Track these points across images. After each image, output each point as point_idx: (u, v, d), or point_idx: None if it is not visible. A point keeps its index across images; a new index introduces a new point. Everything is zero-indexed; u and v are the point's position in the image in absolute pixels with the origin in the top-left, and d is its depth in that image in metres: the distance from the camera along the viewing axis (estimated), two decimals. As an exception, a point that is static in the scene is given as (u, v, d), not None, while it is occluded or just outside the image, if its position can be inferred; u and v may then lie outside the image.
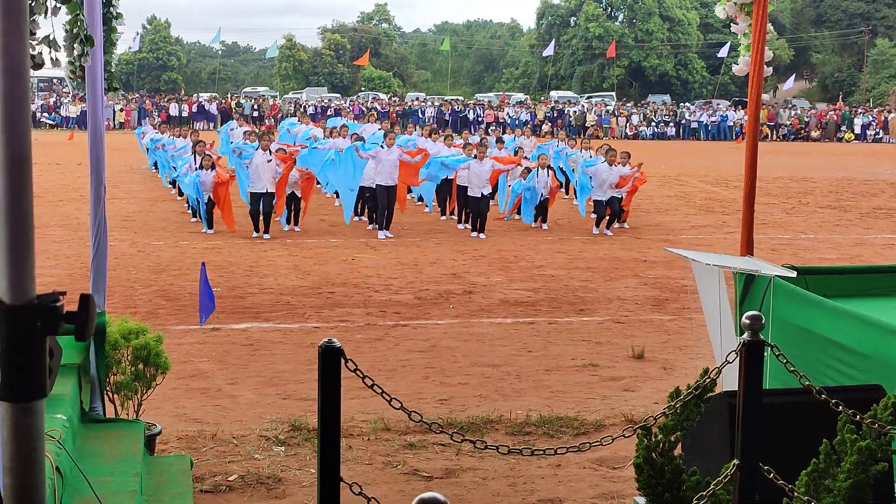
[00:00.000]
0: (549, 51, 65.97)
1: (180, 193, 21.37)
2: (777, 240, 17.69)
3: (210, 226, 17.71)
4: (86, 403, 5.94)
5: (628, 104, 61.83)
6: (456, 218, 19.39)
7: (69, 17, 5.33)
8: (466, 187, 18.23)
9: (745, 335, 4.09)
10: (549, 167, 19.60)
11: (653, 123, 56.96)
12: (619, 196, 18.73)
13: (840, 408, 4.22)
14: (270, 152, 17.49)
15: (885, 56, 70.59)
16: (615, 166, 18.57)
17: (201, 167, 18.00)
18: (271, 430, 7.26)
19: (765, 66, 7.10)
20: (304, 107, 57.70)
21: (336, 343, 3.64)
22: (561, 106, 58.89)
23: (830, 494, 4.14)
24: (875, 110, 60.21)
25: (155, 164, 26.92)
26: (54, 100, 54.97)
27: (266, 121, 51.50)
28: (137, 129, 36.91)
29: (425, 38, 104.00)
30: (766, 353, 4.18)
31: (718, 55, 56.98)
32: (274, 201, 17.42)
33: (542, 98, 66.30)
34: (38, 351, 1.81)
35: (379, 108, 58.04)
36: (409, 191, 20.24)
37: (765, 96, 7.31)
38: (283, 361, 9.32)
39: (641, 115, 57.93)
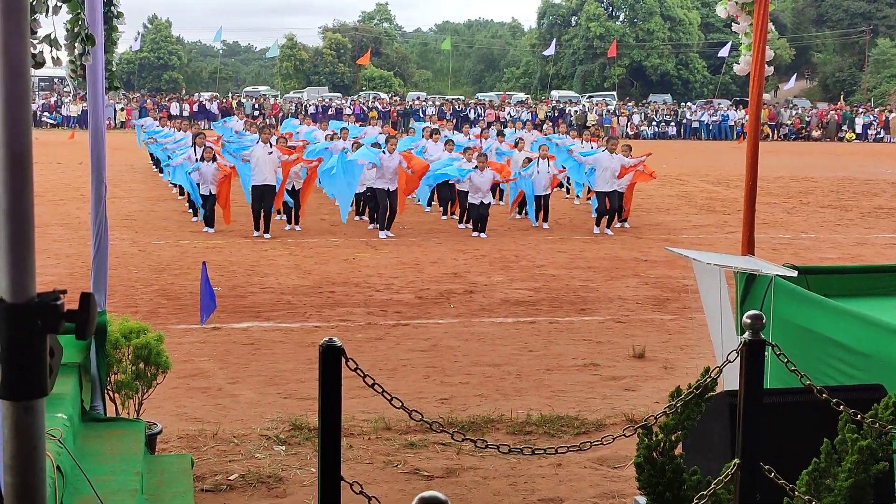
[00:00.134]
0: (550, 50, 65.95)
1: (181, 192, 21.36)
2: (778, 239, 17.69)
3: (211, 224, 17.71)
4: (86, 402, 5.94)
5: (629, 104, 61.80)
6: (457, 217, 19.39)
7: (70, 15, 5.33)
8: (467, 192, 18.29)
9: (746, 334, 4.09)
10: (548, 157, 19.59)
11: (654, 123, 56.97)
12: (621, 190, 18.75)
13: (841, 407, 4.22)
14: (271, 145, 17.49)
15: (887, 56, 70.56)
16: (616, 154, 18.62)
17: (202, 159, 18.02)
18: (272, 430, 7.26)
19: (766, 66, 7.10)
20: (306, 106, 57.73)
21: (337, 342, 3.64)
22: (562, 105, 58.90)
23: (831, 494, 4.14)
24: (876, 110, 60.20)
25: (157, 166, 26.87)
26: (55, 99, 54.99)
27: (267, 120, 51.49)
28: (136, 121, 36.89)
29: (426, 37, 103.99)
30: (766, 353, 4.18)
31: (719, 55, 56.93)
32: (275, 194, 17.44)
33: (544, 98, 66.30)
34: (39, 349, 1.81)
35: (380, 107, 58.07)
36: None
37: (766, 96, 7.30)
38: (284, 361, 9.32)
39: (642, 114, 57.93)
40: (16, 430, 1.83)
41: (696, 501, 4.09)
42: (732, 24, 7.46)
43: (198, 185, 18.28)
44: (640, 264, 15.05)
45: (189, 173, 18.59)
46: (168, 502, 5.18)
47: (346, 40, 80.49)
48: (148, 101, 55.18)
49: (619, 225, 19.05)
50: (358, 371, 3.76)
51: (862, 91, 71.57)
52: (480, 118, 53.21)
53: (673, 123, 57.21)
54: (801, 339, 6.03)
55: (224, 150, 18.09)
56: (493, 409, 7.78)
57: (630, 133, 53.83)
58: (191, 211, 19.41)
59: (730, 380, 5.08)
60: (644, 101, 65.35)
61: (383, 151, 17.84)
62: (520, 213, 20.43)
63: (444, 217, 20.08)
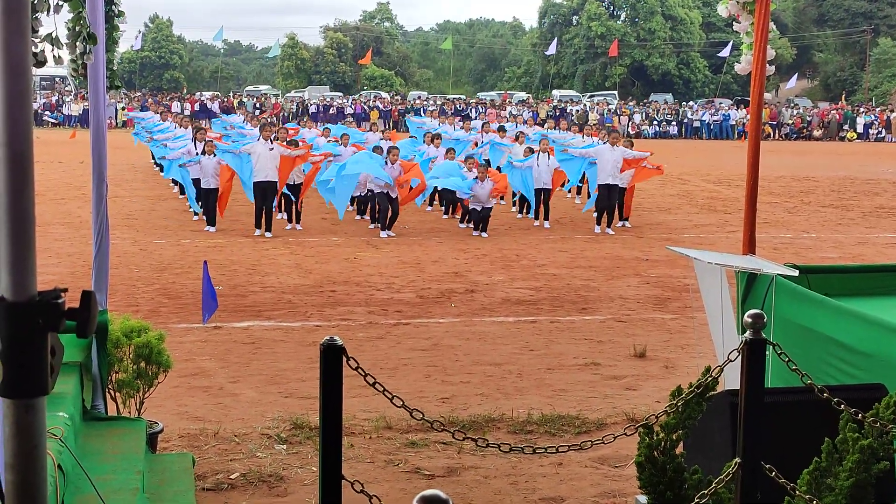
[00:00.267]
0: (551, 50, 65.96)
1: (182, 191, 21.36)
2: (779, 239, 17.69)
3: (213, 222, 17.72)
4: (87, 401, 5.95)
5: (630, 103, 61.81)
6: (458, 217, 19.39)
7: (72, 14, 5.32)
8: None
9: (747, 334, 4.09)
10: (549, 150, 19.59)
11: (655, 122, 56.97)
12: (623, 186, 18.76)
13: (842, 406, 4.22)
14: (272, 141, 17.49)
15: (888, 55, 70.53)
16: (617, 147, 18.64)
17: (203, 153, 18.05)
18: (273, 429, 7.26)
19: (767, 65, 7.09)
20: (307, 105, 57.70)
21: (338, 341, 3.64)
22: (563, 105, 58.88)
23: (832, 493, 4.14)
24: (877, 109, 60.19)
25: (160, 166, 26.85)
26: (57, 98, 55.02)
27: (268, 119, 51.45)
28: (135, 115, 36.87)
29: (427, 36, 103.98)
30: (767, 352, 4.18)
31: (721, 54, 56.94)
32: (277, 191, 17.46)
33: (545, 97, 66.30)
34: (40, 348, 1.81)
35: (381, 106, 58.06)
36: None
37: (767, 95, 7.30)
38: (285, 360, 9.32)
39: (644, 113, 57.93)
40: (17, 429, 1.83)
41: (697, 500, 4.09)
42: (734, 23, 7.46)
43: (196, 180, 18.32)
44: (641, 263, 15.05)
45: (182, 165, 18.65)
46: (169, 501, 5.18)
47: (347, 39, 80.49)
48: (149, 100, 55.20)
49: (620, 224, 19.06)
50: (359, 370, 3.76)
51: (863, 90, 71.56)
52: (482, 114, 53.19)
53: (674, 123, 57.21)
54: (802, 339, 6.03)
55: (219, 151, 18.01)
56: (494, 409, 7.78)
57: (631, 132, 53.80)
58: (192, 210, 19.40)
59: (731, 379, 5.08)
60: (645, 101, 65.36)
61: (386, 162, 17.83)
62: (520, 212, 20.43)
63: (446, 216, 20.08)
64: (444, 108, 50.77)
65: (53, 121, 52.37)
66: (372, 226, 18.31)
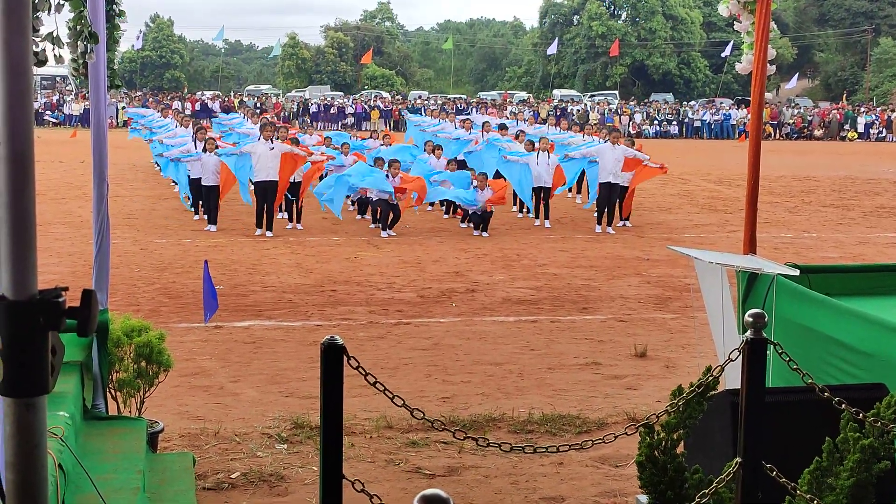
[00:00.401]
0: (552, 49, 65.96)
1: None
2: (780, 238, 17.68)
3: (214, 221, 17.73)
4: (88, 401, 5.95)
5: (631, 103, 61.81)
6: (459, 216, 19.39)
7: (73, 14, 5.32)
8: None
9: (748, 333, 4.09)
10: (548, 149, 19.60)
11: (656, 122, 56.96)
12: (625, 185, 18.76)
13: (843, 406, 4.22)
14: (272, 141, 17.49)
15: (889, 55, 70.53)
16: (618, 145, 18.64)
17: (205, 150, 18.06)
18: (274, 428, 7.26)
19: (768, 65, 7.09)
20: (308, 104, 57.69)
21: (338, 341, 3.64)
22: (564, 104, 58.87)
23: (833, 493, 4.14)
24: (878, 109, 60.17)
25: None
26: (57, 97, 55.02)
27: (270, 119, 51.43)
28: (134, 112, 36.86)
29: (428, 36, 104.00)
30: (768, 352, 4.18)
31: (721, 54, 57.04)
32: (277, 190, 17.48)
33: (545, 97, 66.30)
34: (41, 347, 1.81)
35: (382, 106, 58.06)
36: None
37: (768, 95, 7.29)
38: (286, 359, 9.32)
39: (644, 113, 57.93)
40: (17, 428, 1.83)
41: (697, 500, 4.09)
42: (734, 23, 7.45)
43: (196, 179, 18.34)
44: (641, 263, 15.05)
45: (180, 160, 18.68)
46: (170, 501, 5.18)
47: (348, 39, 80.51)
48: (150, 99, 55.19)
49: (621, 224, 19.05)
50: (359, 370, 3.76)
51: (864, 90, 71.56)
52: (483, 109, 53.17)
53: (675, 122, 57.18)
54: (803, 338, 6.03)
55: (221, 154, 18.01)
56: (495, 408, 7.78)
57: (632, 132, 53.79)
58: (192, 210, 19.41)
59: (731, 378, 5.08)
60: (646, 101, 65.36)
61: (387, 175, 17.82)
62: (521, 211, 20.43)
63: (446, 216, 20.08)
64: (444, 108, 50.72)
65: (54, 120, 52.36)
66: (373, 225, 18.31)
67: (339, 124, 53.55)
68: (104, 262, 6.34)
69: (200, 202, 18.85)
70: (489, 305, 11.98)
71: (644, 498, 4.59)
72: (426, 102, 58.49)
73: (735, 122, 55.47)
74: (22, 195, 1.81)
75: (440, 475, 6.45)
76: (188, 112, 47.55)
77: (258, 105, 55.31)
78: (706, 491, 4.13)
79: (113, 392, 6.34)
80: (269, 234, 17.15)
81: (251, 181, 17.67)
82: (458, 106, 56.57)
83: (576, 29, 76.39)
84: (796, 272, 6.38)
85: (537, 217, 19.44)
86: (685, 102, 63.74)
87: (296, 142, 18.98)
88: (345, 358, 3.65)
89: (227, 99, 58.87)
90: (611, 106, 58.40)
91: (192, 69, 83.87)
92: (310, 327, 10.69)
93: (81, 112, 50.31)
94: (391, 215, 17.53)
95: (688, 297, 11.71)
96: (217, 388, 8.40)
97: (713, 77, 73.83)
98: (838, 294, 6.41)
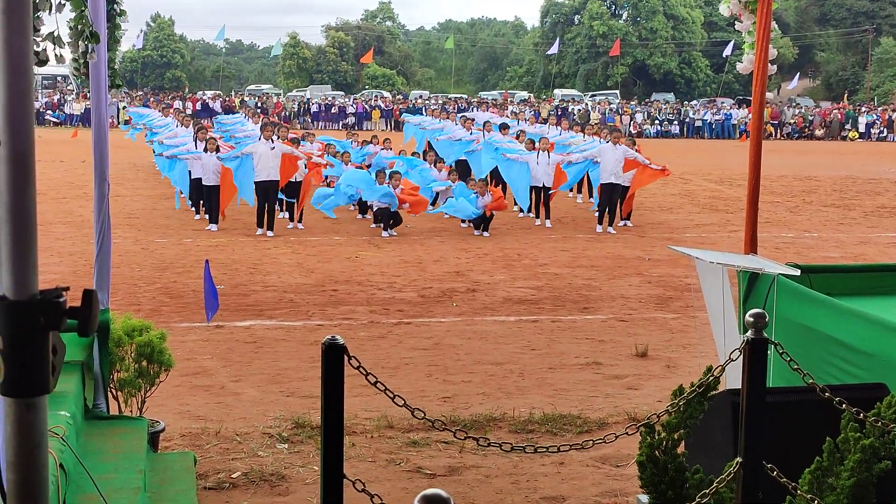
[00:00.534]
0: (553, 49, 65.95)
1: (189, 196, 21.29)
2: (781, 238, 17.68)
3: (215, 221, 17.74)
4: (89, 400, 5.95)
5: (632, 102, 61.79)
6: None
7: (74, 13, 5.33)
8: None
9: (749, 333, 4.09)
10: (548, 149, 19.61)
11: (657, 122, 56.94)
12: (626, 185, 18.76)
13: (843, 406, 4.22)
14: (272, 141, 17.50)
15: (890, 54, 70.51)
16: (619, 146, 18.64)
17: (205, 150, 18.07)
18: (275, 428, 7.26)
19: (769, 65, 7.09)
20: (309, 104, 57.68)
21: (339, 340, 3.64)
22: (565, 104, 58.87)
23: (834, 493, 4.14)
24: (879, 109, 60.14)
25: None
26: (58, 97, 55.03)
27: (270, 118, 51.41)
28: (133, 111, 36.86)
29: (429, 35, 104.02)
30: (769, 352, 4.18)
31: (722, 53, 57.03)
32: (278, 189, 17.51)
33: (546, 96, 66.28)
34: (41, 347, 1.81)
35: (383, 105, 58.05)
36: None
37: (769, 95, 7.28)
38: (287, 359, 9.32)
39: (645, 113, 57.91)
40: (18, 428, 1.83)
41: (698, 500, 4.09)
42: (735, 22, 7.46)
43: (197, 179, 18.36)
44: (642, 263, 15.05)
45: (178, 157, 18.70)
46: (171, 500, 5.18)
47: (348, 39, 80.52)
48: (151, 99, 55.21)
49: (621, 223, 19.05)
50: (360, 369, 3.76)
51: (865, 90, 71.53)
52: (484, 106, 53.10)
53: (676, 122, 57.17)
54: (804, 338, 6.02)
55: (223, 159, 18.00)
56: (496, 408, 7.78)
57: (633, 132, 53.82)
58: (193, 209, 19.42)
59: (732, 378, 5.08)
60: (647, 100, 65.34)
61: (389, 185, 17.83)
62: (522, 211, 20.42)
63: (447, 216, 20.06)
64: (445, 107, 50.72)
65: (55, 120, 52.37)
66: (373, 225, 18.31)
67: (341, 124, 53.58)
68: (105, 262, 6.34)
69: (201, 202, 18.87)
70: (490, 305, 11.98)
71: (645, 498, 4.59)
72: (427, 102, 58.48)
73: (736, 122, 55.45)
74: (23, 195, 1.81)
75: (441, 475, 6.45)
76: (189, 112, 47.59)
77: (259, 105, 55.33)
78: (707, 491, 4.13)
79: (114, 392, 6.35)
80: (269, 233, 17.15)
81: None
82: (460, 106, 56.56)
83: (577, 28, 76.39)
84: (797, 272, 6.38)
85: (537, 216, 19.44)
86: (686, 102, 63.73)
87: (296, 142, 19.01)
88: (346, 357, 3.65)
89: (228, 99, 58.87)
90: (612, 106, 58.40)
91: (193, 69, 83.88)
92: (311, 327, 10.69)
93: (82, 112, 50.31)
94: (392, 220, 17.55)
95: (689, 297, 11.71)
96: (218, 387, 8.40)
97: (714, 77, 73.83)
98: (839, 294, 6.40)
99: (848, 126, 56.77)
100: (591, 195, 21.93)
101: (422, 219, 19.31)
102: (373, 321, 11.05)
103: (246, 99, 57.76)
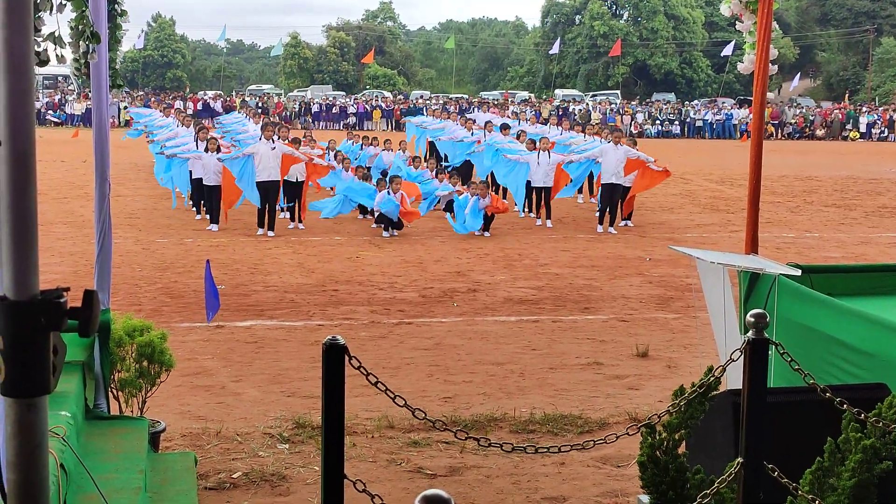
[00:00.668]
0: (554, 49, 65.93)
1: (190, 198, 21.29)
2: (782, 238, 17.68)
3: (216, 220, 17.75)
4: (90, 400, 5.95)
5: (633, 102, 61.78)
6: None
7: (75, 13, 5.33)
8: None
9: (750, 333, 4.09)
10: (548, 149, 19.61)
11: (657, 122, 56.92)
12: (627, 185, 18.76)
13: (844, 406, 4.22)
14: (273, 141, 17.51)
15: (891, 54, 70.47)
16: (621, 146, 18.64)
17: (206, 150, 18.09)
18: (275, 428, 7.26)
19: (770, 65, 7.08)
20: (310, 104, 57.67)
21: (340, 340, 3.64)
22: (566, 104, 58.86)
23: (835, 493, 4.13)
24: (880, 109, 60.11)
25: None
26: (59, 97, 55.04)
27: (271, 118, 51.39)
28: (134, 111, 36.87)
29: (430, 36, 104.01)
30: (770, 352, 4.18)
31: (723, 53, 56.95)
32: (279, 188, 17.53)
33: (547, 96, 66.27)
34: (42, 347, 1.81)
35: (384, 105, 58.05)
36: None
37: (770, 95, 7.28)
38: (288, 359, 9.32)
39: (646, 113, 57.90)
40: (19, 428, 1.83)
41: (699, 500, 4.09)
42: (736, 22, 7.45)
43: (198, 179, 18.37)
44: (643, 263, 15.04)
45: (177, 155, 18.72)
46: (171, 500, 5.18)
47: (349, 39, 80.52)
48: (152, 99, 55.22)
49: (622, 223, 19.05)
50: (361, 369, 3.76)
51: (866, 90, 71.51)
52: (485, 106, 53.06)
53: (676, 122, 57.15)
54: (805, 338, 6.02)
55: (224, 160, 18.00)
56: (497, 408, 7.78)
57: (634, 132, 53.81)
58: (194, 209, 19.43)
59: (733, 379, 5.08)
60: (648, 100, 65.33)
61: (388, 192, 17.83)
62: (522, 211, 20.42)
63: (448, 216, 20.06)
64: (446, 107, 50.72)
65: (56, 120, 52.37)
66: (374, 226, 18.31)
67: (341, 124, 53.57)
68: (106, 262, 6.34)
69: (202, 202, 18.87)
70: (491, 305, 11.98)
71: (646, 498, 4.59)
72: (428, 102, 58.48)
73: (737, 122, 55.44)
74: (24, 195, 1.81)
75: (442, 475, 6.45)
76: (190, 112, 47.60)
77: (260, 105, 55.34)
78: (708, 491, 4.13)
79: (115, 392, 6.35)
80: (270, 233, 17.16)
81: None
82: (461, 106, 56.55)
83: (578, 28, 76.37)
84: (798, 272, 6.38)
85: (536, 213, 19.42)
86: (687, 102, 63.72)
87: (297, 141, 19.03)
88: (346, 358, 3.65)
89: (228, 99, 58.86)
90: (612, 106, 58.38)
91: (194, 69, 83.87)
92: (311, 327, 10.69)
93: (83, 112, 50.31)
94: (392, 223, 17.58)
95: (689, 297, 11.71)
96: (219, 387, 8.40)
97: (715, 77, 73.79)
98: (840, 294, 6.40)
99: (849, 126, 56.75)
100: (591, 194, 21.92)
101: (423, 219, 19.30)
102: (374, 321, 11.05)
103: (247, 99, 57.76)
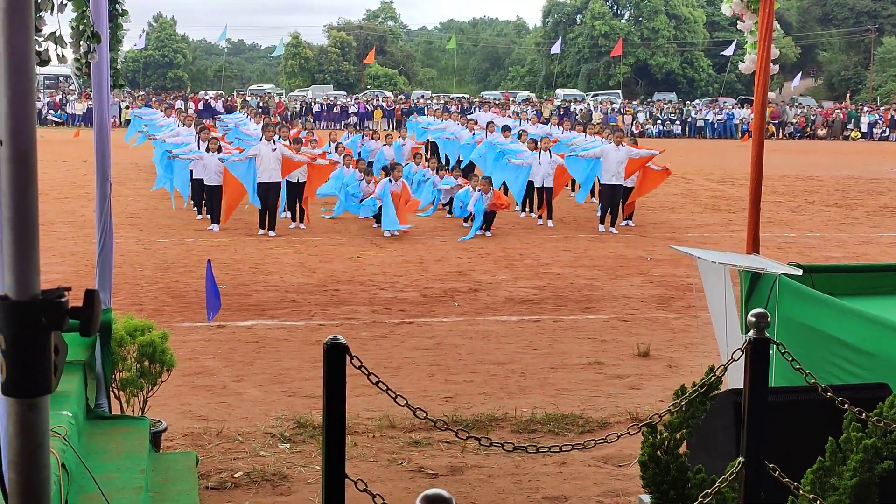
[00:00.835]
0: (555, 49, 65.92)
1: (192, 199, 21.27)
2: (783, 238, 17.67)
3: (217, 221, 17.76)
4: (91, 400, 5.95)
5: (634, 102, 61.75)
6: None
7: (76, 13, 5.33)
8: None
9: (751, 333, 4.09)
10: (550, 151, 19.62)
11: (659, 121, 56.89)
12: (629, 187, 18.76)
13: (846, 406, 4.22)
14: (274, 142, 17.53)
15: (892, 54, 70.43)
16: (622, 146, 18.64)
17: (207, 150, 18.10)
18: (277, 427, 7.26)
19: (771, 65, 7.08)
20: (311, 104, 57.68)
21: (341, 340, 3.64)
22: (567, 104, 58.85)
23: (836, 493, 4.13)
24: (882, 108, 60.07)
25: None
26: (60, 97, 55.05)
27: (272, 118, 51.39)
28: (136, 112, 36.85)
29: (431, 35, 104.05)
30: (771, 351, 4.18)
31: (724, 53, 56.91)
32: (280, 190, 17.56)
33: (548, 96, 66.26)
34: (44, 347, 1.81)
35: (385, 105, 58.04)
36: None
37: (771, 94, 7.27)
38: (289, 359, 9.33)
39: (647, 113, 57.87)
40: (20, 428, 1.83)
41: (700, 500, 4.09)
42: (738, 22, 7.45)
43: (197, 180, 18.40)
44: (644, 263, 15.04)
45: (178, 156, 18.76)
46: (173, 500, 5.19)
47: (350, 39, 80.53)
48: (153, 99, 55.23)
49: (623, 223, 19.04)
50: (362, 369, 3.76)
51: (867, 90, 71.48)
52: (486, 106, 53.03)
53: (678, 122, 57.11)
54: (806, 338, 6.02)
55: (226, 162, 18.00)
56: (498, 408, 7.78)
57: (635, 131, 53.79)
58: (195, 209, 19.43)
59: (734, 378, 5.08)
60: (649, 100, 65.30)
61: (389, 180, 17.86)
62: (523, 211, 20.42)
63: (450, 216, 20.06)
64: (447, 108, 50.73)
65: (57, 120, 52.37)
66: (375, 225, 18.31)
67: (342, 124, 53.57)
68: (107, 262, 6.35)
69: (203, 202, 18.88)
70: (492, 305, 11.98)
71: (647, 497, 4.59)
72: (429, 102, 58.47)
73: (738, 122, 55.41)
74: (25, 194, 1.81)
75: (443, 475, 6.45)
76: (191, 111, 47.61)
77: (261, 105, 55.33)
78: (709, 491, 4.13)
79: (116, 391, 6.35)
80: (271, 233, 17.16)
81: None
82: (463, 105, 56.55)
83: (579, 28, 76.36)
84: (799, 272, 6.38)
85: (539, 217, 19.42)
86: (688, 102, 63.65)
87: (298, 142, 19.06)
88: (347, 357, 3.65)
89: (229, 98, 58.86)
90: (614, 105, 58.36)
91: (195, 69, 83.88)
92: (313, 327, 10.69)
93: (84, 112, 50.31)
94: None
95: (691, 297, 11.70)
96: (220, 387, 8.40)
97: (716, 76, 73.76)
98: (841, 294, 6.40)
99: (850, 126, 56.70)
100: (591, 194, 21.91)
101: (424, 219, 19.31)
102: (375, 321, 11.05)
103: (248, 99, 57.76)
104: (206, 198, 18.46)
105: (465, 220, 18.84)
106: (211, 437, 7.05)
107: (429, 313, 11.49)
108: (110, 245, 6.36)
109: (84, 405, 5.67)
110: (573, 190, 23.08)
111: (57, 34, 4.79)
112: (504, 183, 20.40)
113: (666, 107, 59.51)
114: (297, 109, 56.45)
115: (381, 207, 17.61)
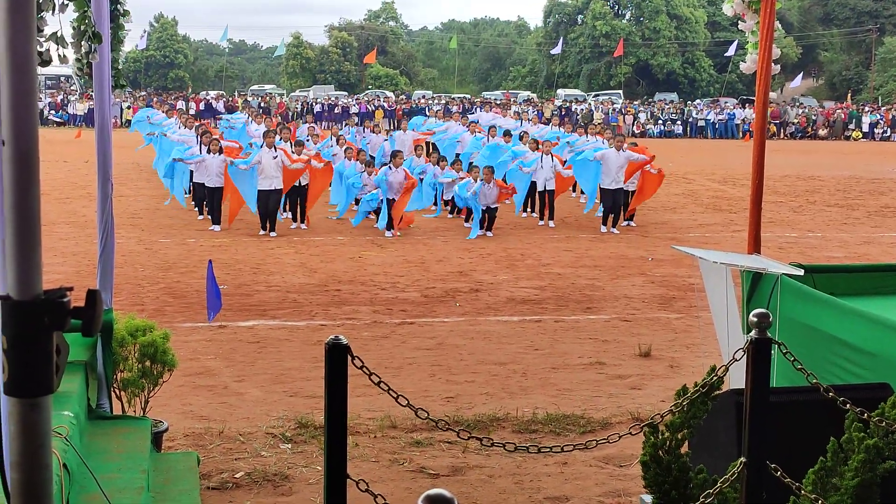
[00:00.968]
0: (556, 49, 65.89)
1: (187, 190, 21.32)
2: (784, 238, 17.66)
3: (217, 221, 17.76)
4: (93, 400, 5.95)
5: (635, 102, 61.71)
6: (463, 216, 19.37)
7: (77, 14, 5.33)
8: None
9: (753, 333, 4.09)
10: (552, 154, 19.63)
11: (660, 121, 56.85)
12: (630, 190, 18.75)
13: (847, 406, 4.22)
14: (275, 149, 17.55)
15: (894, 54, 70.35)
16: (623, 151, 18.64)
17: (209, 151, 18.11)
18: (278, 428, 7.26)
19: (772, 65, 7.08)
20: (311, 104, 57.69)
21: (343, 340, 3.64)
22: (568, 104, 58.83)
23: (838, 493, 4.13)
24: (883, 108, 60.02)
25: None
26: (62, 97, 55.06)
27: (273, 118, 51.41)
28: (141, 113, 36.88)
29: (432, 35, 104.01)
30: (773, 351, 4.18)
31: (726, 53, 56.93)
32: (281, 197, 17.59)
33: (549, 96, 66.24)
34: (45, 346, 1.81)
35: (386, 105, 58.05)
36: None
37: (772, 94, 7.27)
38: (290, 359, 9.33)
39: (649, 113, 57.83)
40: (22, 428, 1.83)
41: (702, 500, 4.09)
42: (739, 22, 7.45)
43: (198, 183, 18.42)
44: (646, 263, 15.04)
45: (181, 160, 18.80)
46: (174, 500, 5.19)
47: (352, 39, 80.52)
48: (154, 99, 55.24)
49: (625, 223, 19.04)
50: (364, 369, 3.76)
51: (869, 89, 71.42)
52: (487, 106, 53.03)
53: (679, 122, 57.06)
54: (808, 338, 6.02)
55: (231, 169, 18.00)
56: (499, 408, 7.78)
57: (636, 132, 53.80)
58: (196, 209, 19.43)
59: (736, 378, 5.08)
60: (650, 100, 65.23)
61: (389, 166, 17.86)
62: (524, 211, 20.41)
63: (451, 216, 20.06)
64: (448, 108, 50.77)
65: (58, 120, 52.36)
66: (376, 225, 18.31)
67: (343, 124, 53.55)
68: (108, 262, 6.35)
69: (204, 202, 18.88)
70: (493, 305, 11.98)
71: (648, 498, 4.59)
72: (430, 102, 58.47)
73: (739, 122, 55.38)
74: (26, 195, 1.81)
75: (444, 475, 6.45)
76: (192, 112, 47.61)
77: (262, 105, 55.35)
78: (711, 491, 4.13)
79: (117, 391, 6.35)
80: (272, 234, 17.17)
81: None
82: (464, 105, 56.55)
83: (580, 28, 76.34)
84: (801, 272, 6.38)
85: (541, 217, 19.42)
86: (689, 102, 63.60)
87: (300, 143, 19.10)
88: (349, 357, 3.65)
89: (231, 99, 58.87)
90: (615, 105, 58.34)
91: (196, 69, 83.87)
92: (314, 327, 10.69)
93: (86, 112, 50.32)
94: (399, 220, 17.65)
95: (692, 297, 11.70)
96: (221, 387, 8.41)
97: (717, 76, 73.72)
98: (843, 294, 6.40)
99: (851, 126, 56.65)
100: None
101: (425, 219, 19.31)
102: (376, 321, 11.05)
103: (249, 99, 57.78)
104: (207, 198, 18.47)
105: (466, 220, 18.85)
106: (212, 437, 7.05)
107: (430, 313, 11.49)
108: (112, 245, 6.36)
109: (86, 405, 5.67)
110: (574, 191, 23.08)
111: (58, 34, 4.80)
112: (504, 176, 20.40)
113: (667, 107, 59.46)
114: (299, 110, 56.46)
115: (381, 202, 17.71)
